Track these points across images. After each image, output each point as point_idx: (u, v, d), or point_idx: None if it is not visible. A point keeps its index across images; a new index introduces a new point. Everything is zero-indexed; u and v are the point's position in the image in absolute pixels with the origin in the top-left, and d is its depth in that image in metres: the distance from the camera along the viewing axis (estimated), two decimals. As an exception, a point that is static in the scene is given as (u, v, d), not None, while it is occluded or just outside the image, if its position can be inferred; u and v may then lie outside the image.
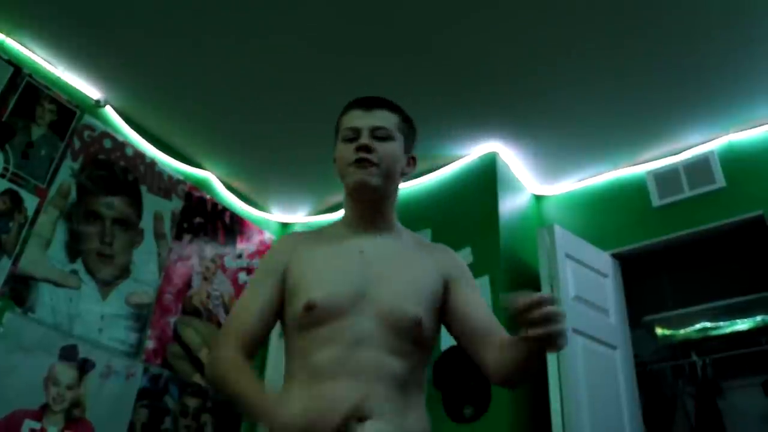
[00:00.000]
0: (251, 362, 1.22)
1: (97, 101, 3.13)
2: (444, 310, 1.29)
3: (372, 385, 1.11)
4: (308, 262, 1.26)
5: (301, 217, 4.02)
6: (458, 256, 1.39)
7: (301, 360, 1.18)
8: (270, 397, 1.09)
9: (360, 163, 1.25)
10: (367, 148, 1.25)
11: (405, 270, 1.27)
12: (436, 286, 1.27)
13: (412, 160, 1.37)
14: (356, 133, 1.29)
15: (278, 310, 1.27)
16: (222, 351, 1.20)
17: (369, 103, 1.33)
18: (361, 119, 1.30)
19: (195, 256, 3.37)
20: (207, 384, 1.22)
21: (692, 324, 3.44)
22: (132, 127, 3.27)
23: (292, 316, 1.22)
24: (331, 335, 1.15)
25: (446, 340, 2.81)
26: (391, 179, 1.29)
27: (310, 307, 1.17)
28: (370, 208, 1.31)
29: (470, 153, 3.37)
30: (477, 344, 1.23)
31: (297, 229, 4.02)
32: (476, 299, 1.31)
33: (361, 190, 1.27)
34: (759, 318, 3.26)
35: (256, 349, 1.25)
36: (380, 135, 1.28)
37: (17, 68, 2.79)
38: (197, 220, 3.45)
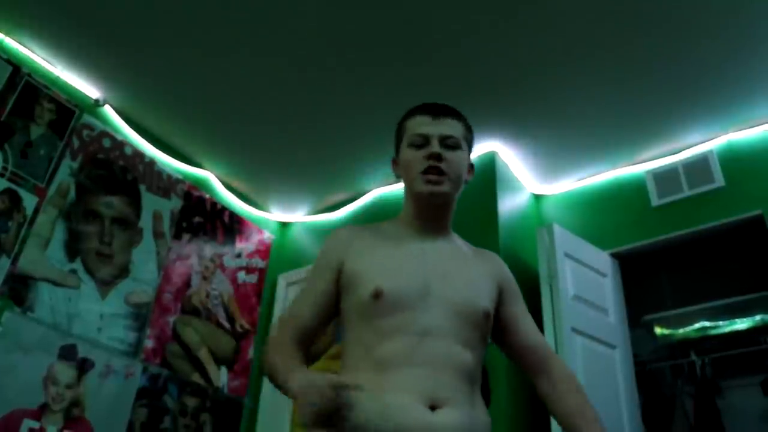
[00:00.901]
0: (303, 351, 1.23)
1: (96, 100, 3.13)
2: (496, 318, 1.32)
3: (442, 375, 1.12)
4: (369, 255, 1.27)
5: (300, 216, 4.02)
6: (507, 267, 1.43)
7: (365, 352, 1.17)
8: (296, 369, 1.09)
9: (430, 171, 1.27)
10: (439, 157, 1.27)
11: (465, 270, 1.30)
12: (493, 291, 1.31)
13: (471, 168, 1.40)
14: (426, 140, 1.30)
15: (335, 303, 1.27)
16: (275, 339, 1.23)
17: (437, 110, 1.34)
18: (430, 126, 1.31)
19: (194, 255, 3.37)
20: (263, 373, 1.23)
21: (691, 323, 3.44)
22: (131, 127, 3.27)
23: (356, 305, 1.22)
24: (399, 326, 1.16)
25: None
26: (458, 187, 1.33)
27: (377, 295, 1.18)
28: (435, 213, 1.33)
29: (469, 152, 3.37)
30: (526, 363, 1.31)
31: (296, 228, 4.02)
32: (527, 316, 1.36)
33: (432, 198, 1.29)
34: (758, 317, 3.27)
35: (310, 341, 1.27)
36: (449, 144, 1.30)
37: (16, 67, 2.79)
38: (196, 219, 3.45)
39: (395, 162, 1.40)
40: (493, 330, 1.32)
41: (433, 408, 1.08)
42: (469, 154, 1.38)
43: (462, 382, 1.15)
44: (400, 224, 1.36)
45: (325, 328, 1.30)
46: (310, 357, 1.32)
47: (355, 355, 1.19)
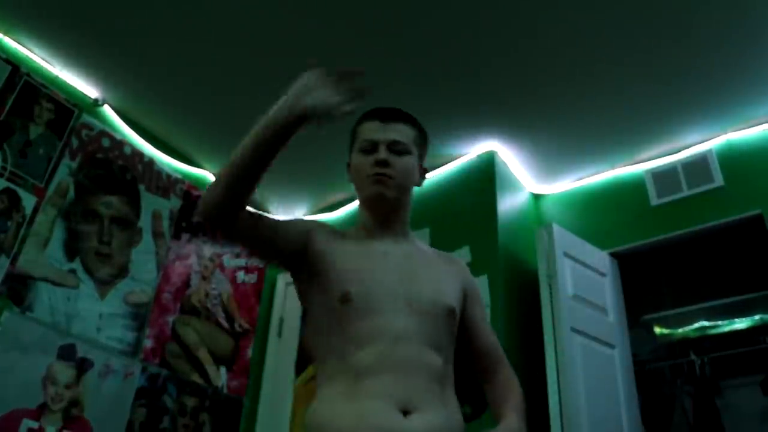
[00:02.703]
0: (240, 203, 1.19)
1: (96, 100, 3.12)
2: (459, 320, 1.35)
3: (413, 379, 1.14)
4: (339, 255, 1.28)
5: (299, 216, 4.02)
6: (470, 272, 1.46)
7: (340, 360, 1.18)
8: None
9: (377, 176, 1.29)
10: (385, 163, 1.29)
11: (429, 270, 1.32)
12: (458, 290, 1.33)
13: (423, 171, 1.41)
14: (374, 146, 1.32)
15: (262, 237, 1.24)
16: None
17: (387, 116, 1.35)
18: (378, 132, 1.33)
19: (193, 255, 3.36)
20: (206, 208, 1.16)
21: (690, 323, 3.45)
22: (130, 126, 3.27)
23: (325, 309, 1.23)
24: (370, 333, 1.17)
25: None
26: (405, 191, 1.35)
27: (346, 299, 1.19)
28: (386, 217, 1.35)
29: (469, 152, 3.37)
30: (478, 367, 1.36)
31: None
32: (485, 322, 1.40)
33: (378, 202, 1.32)
34: (757, 317, 3.27)
35: (241, 209, 1.19)
36: (397, 149, 1.32)
37: (15, 67, 2.78)
38: (196, 219, 3.44)
39: (348, 166, 1.41)
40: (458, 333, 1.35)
41: (406, 413, 1.09)
42: (422, 159, 1.40)
43: (433, 383, 1.17)
44: (359, 231, 1.37)
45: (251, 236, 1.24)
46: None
47: (331, 363, 1.20)
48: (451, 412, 1.19)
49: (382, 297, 1.21)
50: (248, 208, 1.20)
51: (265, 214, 1.29)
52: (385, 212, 1.34)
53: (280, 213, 4.03)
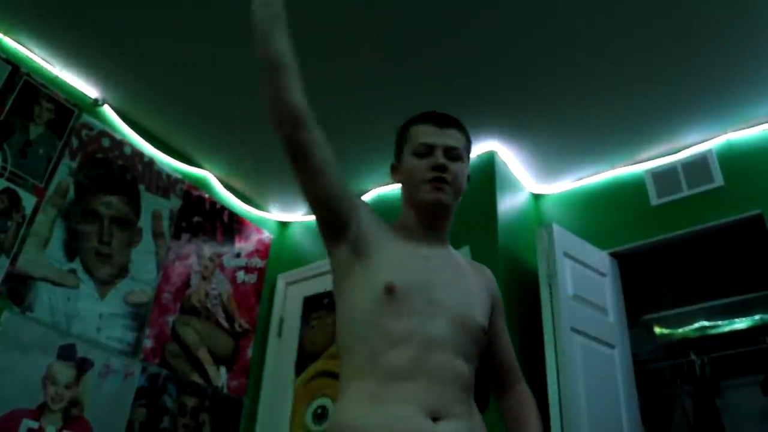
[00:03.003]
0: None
1: (96, 100, 3.12)
2: None
3: (444, 387, 1.14)
4: (385, 243, 1.26)
5: (299, 216, 4.02)
6: (497, 283, 1.46)
7: (371, 357, 1.15)
8: None
9: (435, 182, 1.28)
10: (443, 168, 1.29)
11: (464, 281, 1.31)
12: (487, 304, 1.34)
13: (468, 178, 1.41)
14: (430, 150, 1.31)
15: (324, 166, 1.23)
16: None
17: (442, 121, 1.35)
18: (435, 137, 1.32)
19: (193, 255, 3.36)
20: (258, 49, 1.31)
21: (691, 323, 3.44)
22: (130, 126, 3.27)
23: (365, 299, 1.20)
24: (406, 333, 1.15)
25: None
26: (458, 198, 1.35)
27: (390, 290, 1.17)
28: (436, 222, 1.34)
29: (469, 152, 3.37)
30: (497, 378, 1.39)
31: (296, 228, 4.02)
32: (506, 335, 1.42)
33: (435, 208, 1.31)
34: (757, 317, 3.27)
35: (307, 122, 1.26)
36: (453, 155, 1.32)
37: (15, 67, 2.78)
38: (196, 219, 3.44)
39: (395, 168, 1.40)
40: None
41: (434, 419, 1.10)
42: (468, 165, 1.40)
43: (461, 393, 1.17)
44: (401, 228, 1.35)
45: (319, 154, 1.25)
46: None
47: (361, 358, 1.17)
48: (476, 423, 1.20)
49: (422, 299, 1.19)
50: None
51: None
52: (437, 218, 1.33)
53: (281, 213, 4.03)
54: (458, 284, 1.28)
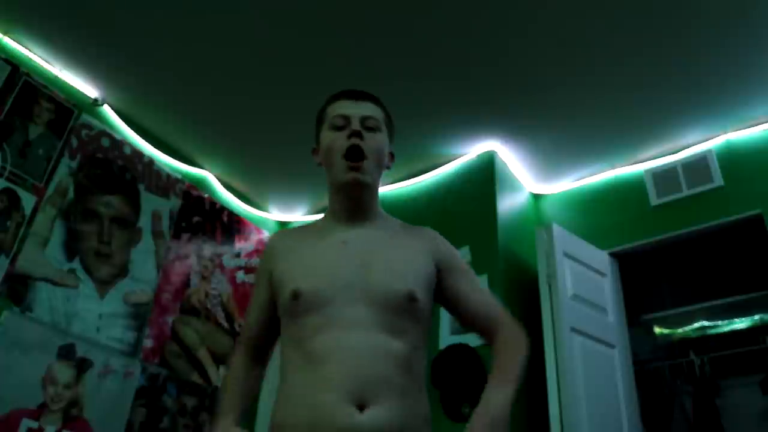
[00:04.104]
0: (260, 364, 1.36)
1: (95, 100, 3.12)
2: (441, 295, 1.32)
3: (370, 367, 1.11)
4: (293, 257, 1.29)
5: (299, 216, 4.02)
6: (446, 240, 1.40)
7: (297, 348, 1.18)
8: (223, 418, 1.22)
9: (352, 156, 1.27)
10: (359, 134, 1.28)
11: (391, 253, 1.28)
12: (427, 267, 1.29)
13: (391, 156, 1.40)
14: (346, 120, 1.31)
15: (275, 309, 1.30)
16: (232, 362, 1.36)
17: (357, 95, 1.36)
18: (351, 108, 1.33)
19: (193, 255, 3.36)
20: None
21: (690, 323, 3.45)
22: (130, 126, 3.26)
23: (282, 307, 1.25)
24: (324, 321, 1.16)
25: (445, 339, 2.82)
26: (378, 172, 1.33)
27: (296, 296, 1.19)
28: (357, 200, 1.33)
29: (468, 152, 3.37)
30: (479, 333, 1.31)
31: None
32: (470, 286, 1.34)
33: (355, 188, 1.30)
34: (757, 317, 3.28)
35: (264, 351, 1.37)
36: (370, 125, 1.31)
37: (15, 67, 2.78)
38: (195, 219, 3.44)
39: (315, 150, 1.41)
40: (444, 304, 1.33)
41: (361, 407, 1.06)
42: (390, 142, 1.39)
43: (394, 372, 1.12)
44: (326, 218, 1.38)
45: (277, 335, 1.33)
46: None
47: (289, 350, 1.21)
48: (412, 403, 1.13)
49: (334, 289, 1.19)
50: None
51: (254, 306, 1.39)
52: (359, 197, 1.32)
53: (280, 213, 4.03)
54: (380, 260, 1.24)
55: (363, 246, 1.27)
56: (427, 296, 1.25)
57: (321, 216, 1.43)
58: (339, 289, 1.19)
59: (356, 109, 1.32)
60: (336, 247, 1.27)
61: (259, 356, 1.35)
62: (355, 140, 1.27)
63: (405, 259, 1.27)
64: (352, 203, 1.33)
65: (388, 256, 1.26)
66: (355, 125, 1.29)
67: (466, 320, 1.33)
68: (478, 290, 1.35)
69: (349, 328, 1.14)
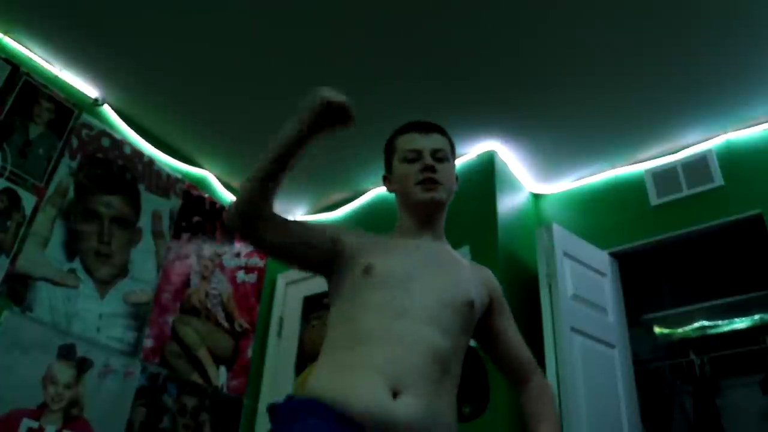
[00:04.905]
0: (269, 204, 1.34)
1: (95, 100, 3.12)
2: (483, 329, 1.39)
3: (410, 356, 1.15)
4: (367, 241, 1.37)
5: (299, 216, 4.01)
6: (499, 284, 1.49)
7: (346, 324, 1.23)
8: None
9: (426, 183, 1.36)
10: (433, 168, 1.38)
11: (455, 269, 1.37)
12: (483, 294, 1.37)
13: (457, 179, 1.49)
14: (418, 154, 1.40)
15: (289, 246, 1.33)
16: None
17: (425, 128, 1.45)
18: (421, 142, 1.42)
19: (193, 254, 3.36)
20: (233, 214, 1.29)
21: (690, 322, 3.45)
22: (130, 126, 3.27)
23: (347, 281, 1.29)
24: (381, 303, 1.21)
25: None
26: (450, 196, 1.43)
27: (367, 270, 1.25)
28: (431, 220, 1.42)
29: (468, 152, 3.37)
30: (509, 376, 1.41)
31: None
32: (513, 332, 1.43)
33: (432, 206, 1.39)
34: (757, 317, 3.28)
35: (266, 213, 1.32)
36: (440, 156, 1.41)
37: (15, 67, 2.78)
38: (195, 218, 3.44)
39: (387, 179, 1.49)
40: (483, 339, 1.41)
41: (395, 394, 1.09)
42: (454, 166, 1.49)
43: (431, 366, 1.16)
44: (395, 233, 1.44)
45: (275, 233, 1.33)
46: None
47: (336, 331, 1.25)
48: (444, 402, 1.16)
49: (404, 275, 1.25)
50: (276, 215, 1.31)
51: (294, 220, 1.38)
52: (432, 214, 1.41)
53: (280, 213, 4.02)
54: (447, 270, 1.34)
55: (434, 254, 1.36)
56: (478, 314, 1.34)
57: (332, 218, 1.51)
58: (407, 275, 1.26)
59: (426, 142, 1.41)
60: (410, 246, 1.36)
61: (269, 206, 1.32)
62: (428, 174, 1.37)
63: (469, 278, 1.36)
64: (426, 221, 1.41)
65: (455, 268, 1.37)
66: (428, 159, 1.38)
67: (501, 359, 1.41)
68: (519, 336, 1.44)
69: (402, 315, 1.19)
